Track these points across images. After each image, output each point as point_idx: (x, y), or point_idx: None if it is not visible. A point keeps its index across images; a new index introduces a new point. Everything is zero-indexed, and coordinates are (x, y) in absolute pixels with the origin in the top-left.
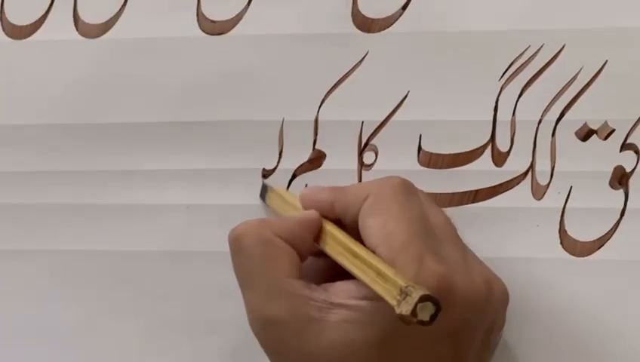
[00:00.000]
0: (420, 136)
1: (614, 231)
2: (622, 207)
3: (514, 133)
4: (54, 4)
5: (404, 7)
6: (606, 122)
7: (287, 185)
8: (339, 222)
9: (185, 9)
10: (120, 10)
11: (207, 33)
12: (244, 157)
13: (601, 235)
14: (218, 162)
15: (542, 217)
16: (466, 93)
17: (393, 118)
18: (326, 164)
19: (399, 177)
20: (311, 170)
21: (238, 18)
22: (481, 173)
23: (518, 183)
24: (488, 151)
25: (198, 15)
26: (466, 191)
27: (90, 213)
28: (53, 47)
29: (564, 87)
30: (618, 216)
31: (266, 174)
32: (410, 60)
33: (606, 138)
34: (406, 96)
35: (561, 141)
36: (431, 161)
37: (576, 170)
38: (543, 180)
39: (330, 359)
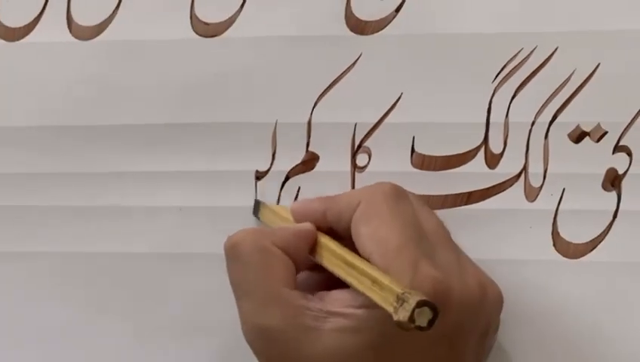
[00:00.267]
0: (413, 138)
1: (607, 233)
2: (614, 208)
3: (507, 135)
4: (48, 6)
5: (398, 10)
6: (599, 124)
7: (280, 187)
8: (332, 231)
9: (178, 11)
10: (114, 12)
11: (200, 35)
12: (237, 159)
13: (593, 237)
14: (211, 164)
15: (535, 219)
16: (459, 95)
17: (386, 120)
18: (319, 166)
19: (390, 183)
20: (304, 171)
21: (231, 20)
22: (474, 175)
23: (511, 185)
24: (481, 153)
25: (191, 17)
26: (459, 193)
27: (83, 215)
28: (47, 49)
29: (557, 89)
30: (611, 218)
31: (259, 176)
32: (403, 62)
33: (599, 140)
34: (399, 98)
35: (554, 143)
36: (424, 162)
37: (569, 171)
38: (535, 182)
39: None
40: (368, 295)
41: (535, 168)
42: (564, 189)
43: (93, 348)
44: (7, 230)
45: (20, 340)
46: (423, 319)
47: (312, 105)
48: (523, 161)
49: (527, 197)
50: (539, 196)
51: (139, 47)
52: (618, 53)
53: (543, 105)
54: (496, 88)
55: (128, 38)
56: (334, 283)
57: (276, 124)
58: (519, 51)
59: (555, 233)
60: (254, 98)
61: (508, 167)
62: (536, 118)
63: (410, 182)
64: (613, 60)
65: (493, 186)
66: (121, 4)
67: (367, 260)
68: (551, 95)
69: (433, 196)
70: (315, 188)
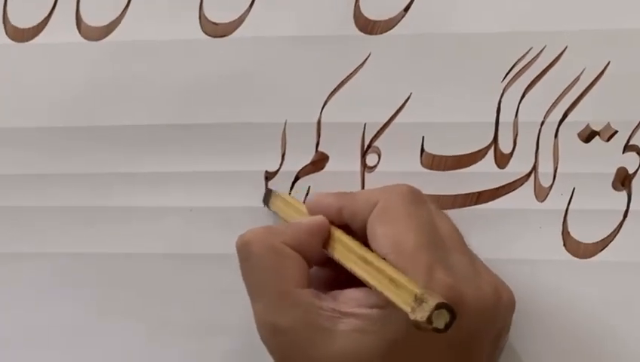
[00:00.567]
0: (423, 137)
1: (617, 232)
2: (625, 208)
3: (517, 135)
4: (57, 7)
5: (407, 9)
6: (609, 123)
7: (290, 187)
8: (346, 228)
9: (187, 11)
10: (122, 12)
11: (209, 35)
12: (246, 160)
13: (604, 237)
14: (221, 164)
15: (545, 219)
16: (468, 94)
17: (396, 120)
18: (329, 166)
19: (407, 185)
20: (314, 172)
21: (240, 20)
22: (484, 174)
23: (520, 185)
24: (491, 152)
25: (200, 17)
26: (469, 193)
27: (93, 216)
28: (56, 50)
29: (566, 89)
30: (621, 218)
31: (269, 176)
32: (412, 62)
33: (609, 139)
34: (408, 98)
35: (564, 142)
36: (434, 162)
37: (579, 171)
38: (545, 182)
39: None
40: (384, 292)
41: (545, 168)
42: (574, 189)
43: (105, 349)
44: (18, 231)
45: (32, 341)
46: (440, 321)
47: (322, 105)
48: (533, 161)
49: (537, 197)
50: (549, 196)
51: (148, 48)
52: (628, 52)
53: (553, 104)
54: (505, 88)
55: (137, 38)
56: (344, 279)
57: (285, 124)
58: (528, 50)
59: (565, 233)
60: (263, 98)
61: (518, 166)
62: (545, 117)
63: (419, 182)
64: (623, 59)
65: (503, 186)
66: (130, 4)
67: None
68: (560, 94)
69: (443, 196)
70: (325, 188)
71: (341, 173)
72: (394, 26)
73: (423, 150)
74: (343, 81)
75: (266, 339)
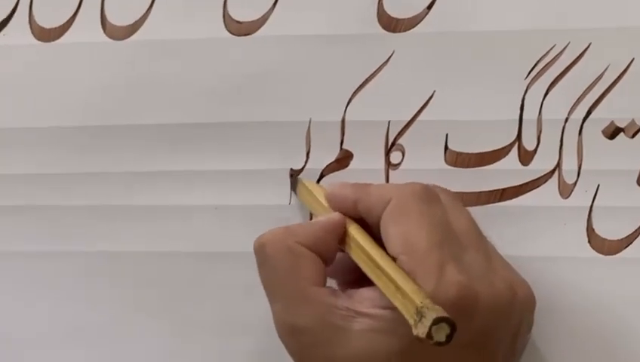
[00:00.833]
0: (447, 135)
1: None
2: None
3: (540, 132)
4: (82, 7)
5: (430, 7)
6: (633, 120)
7: None
8: (363, 221)
9: (211, 10)
10: (147, 11)
11: (233, 34)
12: (271, 158)
13: (628, 233)
14: (246, 163)
15: (569, 216)
16: (491, 92)
17: (420, 118)
18: (353, 164)
19: (421, 184)
20: (338, 169)
21: (264, 19)
22: (508, 171)
23: (544, 182)
24: (515, 150)
25: (224, 16)
26: (493, 190)
27: (118, 215)
28: (81, 50)
29: (590, 85)
30: None
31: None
32: (435, 60)
33: (633, 136)
34: (432, 95)
35: (588, 139)
36: (457, 160)
37: (603, 168)
38: (569, 179)
39: None
40: (392, 300)
41: (569, 165)
42: (598, 186)
43: (130, 347)
44: (46, 230)
45: (58, 340)
46: (440, 334)
47: (346, 103)
48: (557, 158)
49: (561, 194)
50: (573, 193)
51: (172, 47)
52: None
53: (577, 101)
54: (529, 85)
55: (162, 37)
56: None
57: (310, 122)
58: (552, 48)
59: (589, 229)
60: (288, 97)
61: (541, 163)
62: (569, 114)
63: (443, 179)
64: None
65: (527, 183)
66: (154, 3)
67: (395, 260)
68: (584, 91)
69: (467, 193)
70: None
71: (365, 171)
72: (417, 24)
73: (447, 147)
74: (367, 79)
75: (285, 340)
